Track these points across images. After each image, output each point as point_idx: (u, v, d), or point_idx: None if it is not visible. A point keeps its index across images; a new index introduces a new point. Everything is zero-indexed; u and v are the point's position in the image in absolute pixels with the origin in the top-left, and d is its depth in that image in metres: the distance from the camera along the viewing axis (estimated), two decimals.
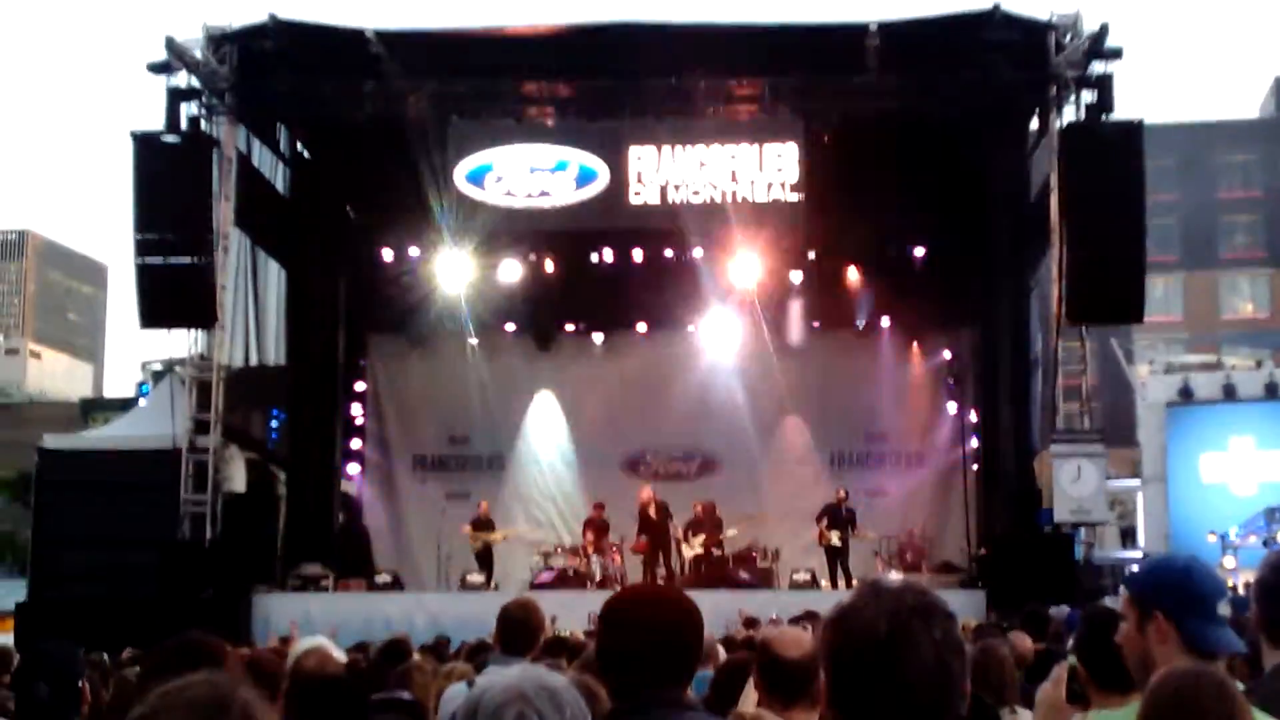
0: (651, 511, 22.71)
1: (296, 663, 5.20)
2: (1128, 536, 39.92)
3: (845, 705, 2.20)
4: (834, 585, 21.87)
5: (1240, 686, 3.71)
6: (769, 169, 21.55)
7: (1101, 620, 4.32)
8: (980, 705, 5.68)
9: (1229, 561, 27.73)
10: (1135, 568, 33.62)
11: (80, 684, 4.50)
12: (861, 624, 2.19)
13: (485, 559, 22.94)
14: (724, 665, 5.68)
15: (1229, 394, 32.34)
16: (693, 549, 22.24)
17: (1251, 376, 33.37)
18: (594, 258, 24.33)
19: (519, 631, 6.08)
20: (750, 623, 14.37)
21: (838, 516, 22.67)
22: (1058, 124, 20.76)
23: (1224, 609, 3.55)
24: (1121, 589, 4.49)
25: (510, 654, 6.01)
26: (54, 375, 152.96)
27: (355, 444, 26.58)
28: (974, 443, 25.11)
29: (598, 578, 21.68)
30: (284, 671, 5.43)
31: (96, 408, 71.03)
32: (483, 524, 23.26)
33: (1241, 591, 22.85)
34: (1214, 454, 32.20)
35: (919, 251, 24.26)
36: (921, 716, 2.19)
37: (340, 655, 6.27)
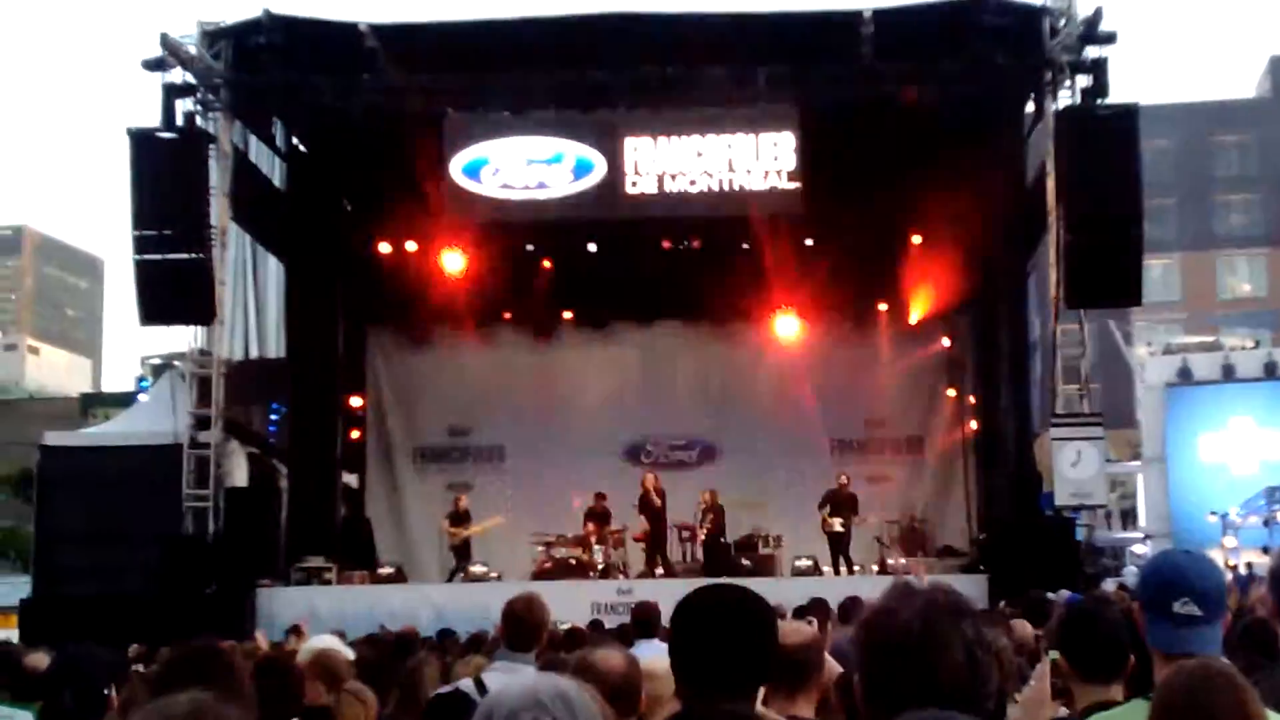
0: (654, 498, 22.77)
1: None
2: (1128, 518, 39.94)
3: (880, 702, 2.28)
4: (836, 572, 21.90)
5: None
6: (765, 158, 21.57)
7: (1081, 609, 4.35)
8: None
9: (1229, 541, 27.67)
10: (1136, 549, 33.71)
11: (106, 691, 4.50)
12: (896, 624, 2.27)
13: (463, 551, 22.99)
14: None
15: (1228, 374, 32.26)
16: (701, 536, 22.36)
17: (1250, 356, 33.31)
18: (591, 248, 24.38)
19: (523, 627, 6.15)
20: None
21: (839, 503, 22.71)
22: (1053, 108, 20.74)
23: (1184, 607, 3.51)
24: None
25: (516, 649, 6.10)
26: (53, 371, 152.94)
27: (356, 436, 26.64)
28: (973, 427, 25.19)
29: (600, 567, 21.75)
30: (296, 670, 5.48)
31: (96, 403, 70.97)
32: (460, 518, 23.27)
33: (1242, 571, 22.94)
34: (1213, 434, 32.14)
35: (916, 237, 24.31)
36: (954, 710, 2.26)
37: (349, 653, 6.33)
